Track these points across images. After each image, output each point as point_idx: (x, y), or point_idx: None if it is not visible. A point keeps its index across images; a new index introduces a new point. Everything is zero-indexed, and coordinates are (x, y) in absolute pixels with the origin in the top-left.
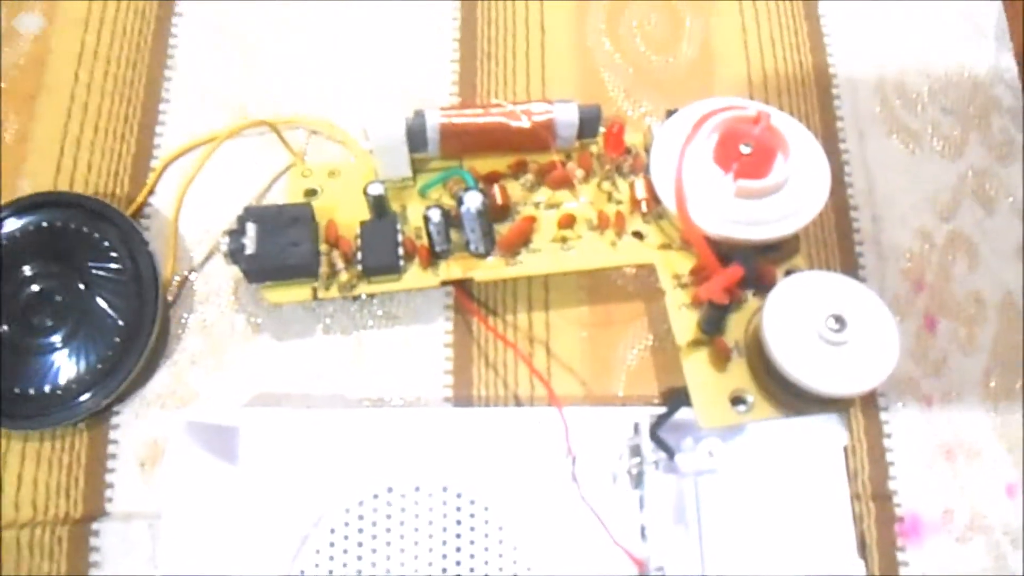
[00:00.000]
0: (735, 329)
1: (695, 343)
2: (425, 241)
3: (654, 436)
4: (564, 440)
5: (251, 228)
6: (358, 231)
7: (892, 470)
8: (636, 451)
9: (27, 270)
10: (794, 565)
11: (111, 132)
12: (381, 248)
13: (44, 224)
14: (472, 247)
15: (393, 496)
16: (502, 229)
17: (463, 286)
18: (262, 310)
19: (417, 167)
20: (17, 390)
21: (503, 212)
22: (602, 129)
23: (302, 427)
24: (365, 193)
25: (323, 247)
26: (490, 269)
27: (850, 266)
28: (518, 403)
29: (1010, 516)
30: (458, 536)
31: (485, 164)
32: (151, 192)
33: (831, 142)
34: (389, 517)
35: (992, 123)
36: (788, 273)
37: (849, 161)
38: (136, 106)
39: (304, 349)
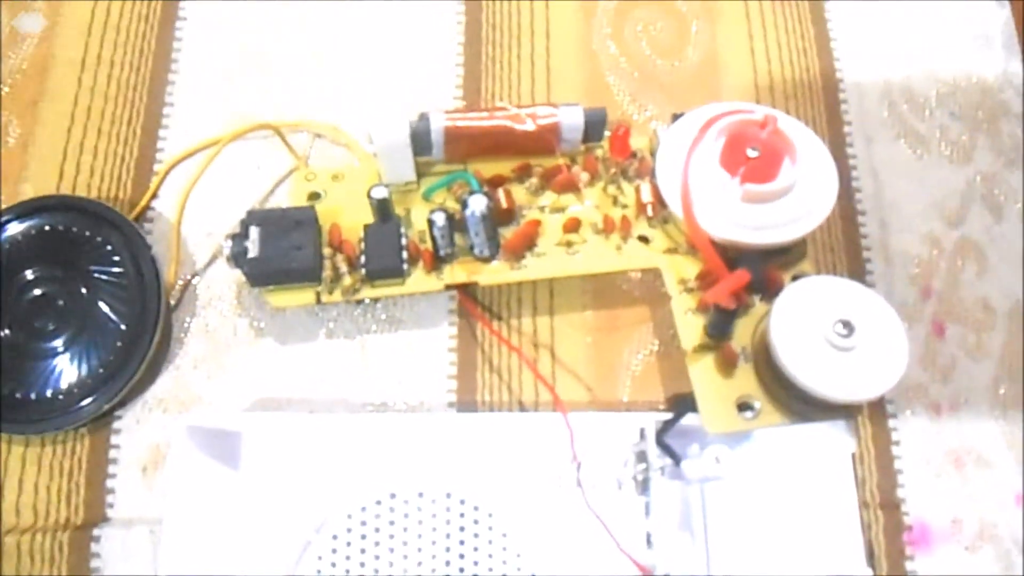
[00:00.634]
0: (742, 334)
1: (701, 348)
2: (429, 245)
3: (660, 442)
4: (569, 446)
5: (254, 232)
6: (362, 235)
7: (901, 478)
8: (642, 457)
9: (29, 274)
10: (802, 574)
11: (114, 136)
12: (385, 252)
13: (46, 228)
14: (476, 251)
15: (396, 502)
16: (507, 233)
17: (467, 290)
18: (265, 314)
19: (421, 171)
20: (18, 395)
21: (508, 216)
22: (607, 133)
23: (304, 432)
24: (369, 197)
25: (326, 251)
26: (494, 273)
27: (857, 272)
28: (522, 408)
29: (1020, 525)
30: (462, 543)
31: (490, 168)
32: (154, 196)
33: (838, 147)
34: (392, 523)
35: (1001, 128)
36: (795, 278)
37: (856, 166)
38: (139, 110)
39: (307, 353)
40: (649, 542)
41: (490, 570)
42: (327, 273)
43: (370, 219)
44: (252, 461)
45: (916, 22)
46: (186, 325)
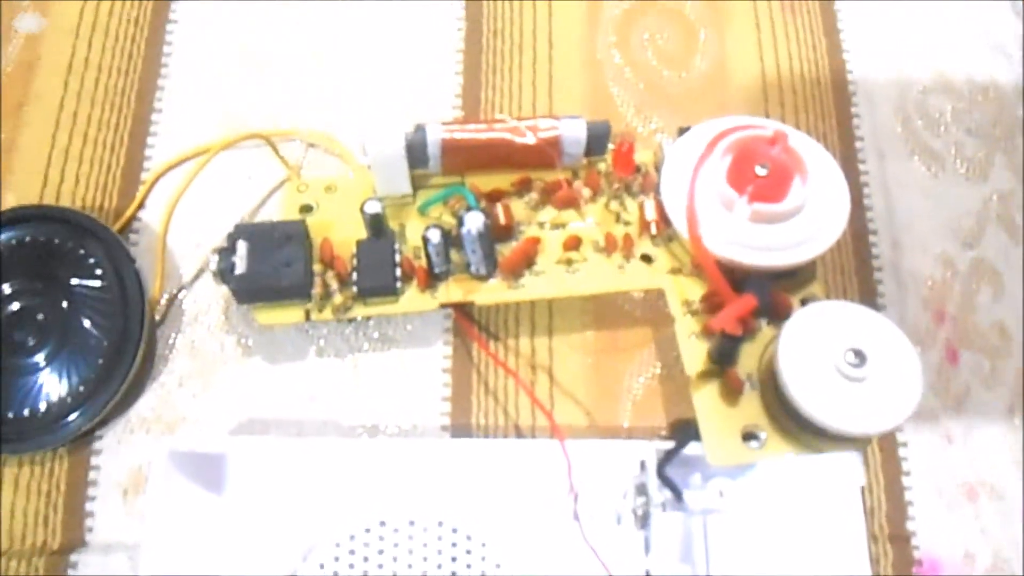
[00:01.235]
0: (748, 360)
1: (706, 374)
2: (424, 262)
3: (661, 475)
4: (566, 475)
5: (242, 246)
6: (354, 250)
7: (911, 510)
8: (642, 490)
9: (7, 287)
10: None
11: (101, 143)
12: (378, 269)
13: (27, 239)
14: (473, 269)
15: (386, 530)
16: (505, 250)
17: (463, 309)
18: (253, 331)
19: (417, 183)
20: None
21: (506, 232)
22: (611, 146)
23: (291, 456)
24: (362, 211)
25: (317, 267)
26: (491, 292)
27: (868, 294)
28: (519, 433)
29: None
30: (453, 573)
31: (488, 181)
32: (140, 206)
33: (850, 163)
34: (381, 552)
35: (1018, 145)
36: (804, 302)
37: (868, 183)
38: (127, 116)
39: (297, 372)
40: None
41: None
42: (317, 290)
43: (363, 233)
44: (236, 486)
45: (931, 34)
46: (171, 341)
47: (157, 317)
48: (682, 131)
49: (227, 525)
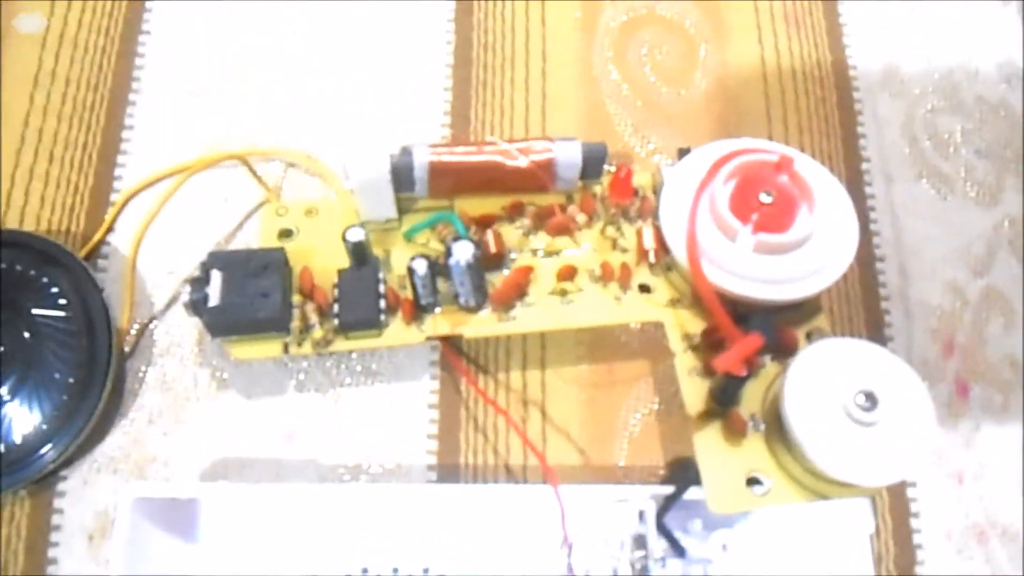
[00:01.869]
0: (751, 399)
1: (707, 415)
2: (409, 292)
3: (660, 526)
4: (559, 523)
5: (216, 276)
6: (336, 280)
7: (920, 553)
8: (640, 542)
9: None
10: None
11: (68, 162)
12: (360, 301)
13: None
14: (462, 300)
15: None
16: (495, 280)
17: (451, 341)
18: (228, 364)
19: (403, 208)
20: None
21: (497, 260)
22: (608, 168)
23: (267, 502)
24: (344, 239)
25: (296, 298)
26: (481, 325)
27: (875, 325)
28: (509, 473)
29: None
30: None
31: (478, 206)
32: (109, 229)
33: (856, 186)
34: None
35: None
36: (810, 336)
37: (875, 207)
38: (96, 133)
39: (275, 408)
40: None
41: None
42: (296, 323)
43: (346, 260)
44: (208, 533)
45: (939, 52)
46: (141, 375)
47: (126, 349)
48: (682, 153)
49: (200, 574)
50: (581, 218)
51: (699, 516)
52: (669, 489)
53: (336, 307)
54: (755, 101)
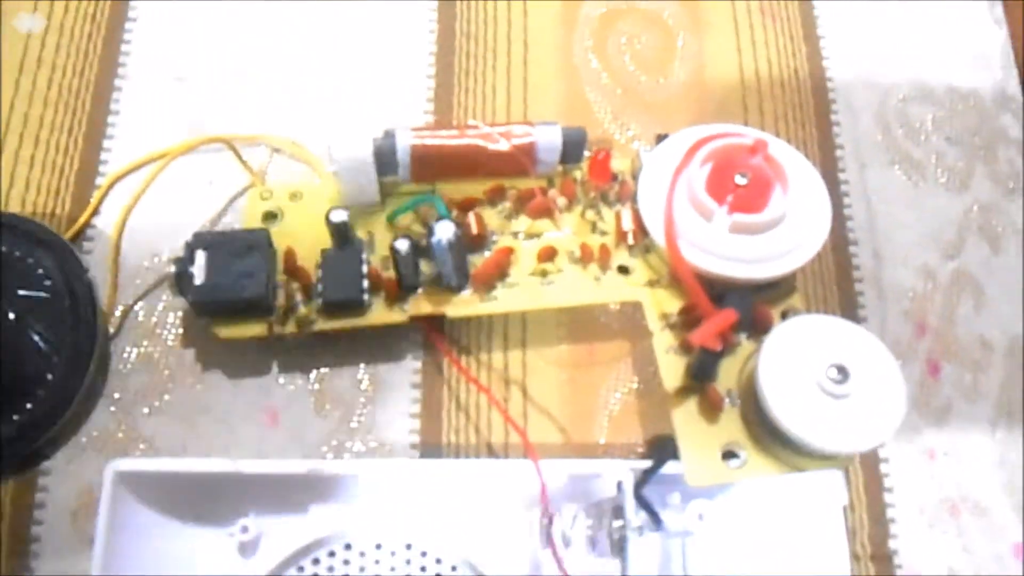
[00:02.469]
0: (727, 375)
1: (684, 391)
2: (392, 273)
3: (639, 497)
4: (540, 497)
5: (200, 256)
6: (319, 260)
7: (893, 528)
8: (618, 513)
9: None
10: None
11: (53, 146)
12: (344, 281)
13: None
14: (444, 280)
15: (351, 554)
16: (477, 261)
17: (434, 322)
18: (213, 344)
19: (386, 191)
20: None
21: (478, 242)
22: (587, 153)
23: (251, 477)
24: (327, 220)
25: (280, 278)
26: (463, 305)
27: (849, 306)
28: (491, 451)
29: None
30: None
31: (460, 190)
32: (95, 212)
33: (830, 172)
34: None
35: (999, 154)
36: (785, 315)
37: (849, 192)
38: (82, 118)
39: (259, 388)
40: None
41: None
42: (280, 303)
43: (330, 243)
44: (193, 509)
45: (912, 41)
46: (126, 356)
47: (111, 330)
48: (660, 138)
49: (183, 550)
50: (562, 201)
51: (677, 490)
52: (648, 463)
53: (320, 286)
54: (732, 90)
